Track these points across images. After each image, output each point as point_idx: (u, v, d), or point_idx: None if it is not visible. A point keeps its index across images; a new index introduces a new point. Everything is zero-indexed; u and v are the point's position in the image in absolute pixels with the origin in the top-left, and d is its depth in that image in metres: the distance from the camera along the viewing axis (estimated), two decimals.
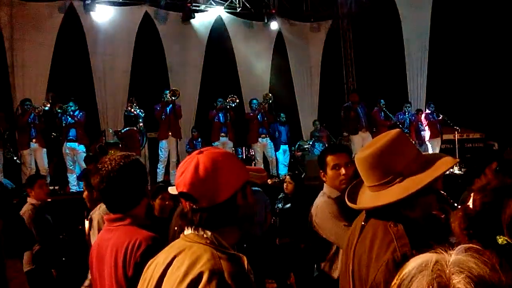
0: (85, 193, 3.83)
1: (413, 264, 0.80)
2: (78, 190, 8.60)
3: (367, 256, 1.62)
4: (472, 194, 3.24)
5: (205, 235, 1.33)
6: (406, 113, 10.52)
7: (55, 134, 9.13)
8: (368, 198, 1.68)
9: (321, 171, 2.90)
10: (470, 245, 0.82)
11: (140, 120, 9.59)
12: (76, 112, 8.87)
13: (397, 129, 1.74)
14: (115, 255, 1.85)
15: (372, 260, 1.58)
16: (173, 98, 9.14)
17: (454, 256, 0.77)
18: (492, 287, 0.74)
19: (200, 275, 1.22)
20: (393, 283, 0.81)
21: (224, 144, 9.54)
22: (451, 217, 2.60)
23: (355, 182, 1.84)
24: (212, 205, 1.32)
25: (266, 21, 12.92)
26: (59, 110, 8.76)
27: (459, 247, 0.80)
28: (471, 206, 3.09)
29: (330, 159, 2.84)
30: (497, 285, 0.74)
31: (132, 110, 9.53)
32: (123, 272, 1.81)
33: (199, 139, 10.35)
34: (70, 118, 8.77)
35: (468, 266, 0.75)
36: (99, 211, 3.37)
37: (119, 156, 1.99)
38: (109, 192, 1.96)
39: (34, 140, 8.58)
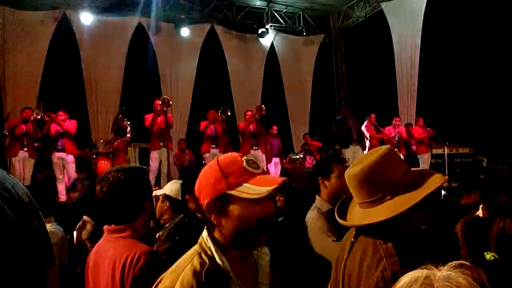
0: None
1: (404, 279, 0.82)
2: (66, 200, 8.53)
3: (357, 274, 1.61)
4: (481, 206, 3.31)
5: (203, 236, 1.39)
6: (396, 127, 10.58)
7: (39, 144, 9.04)
8: (358, 215, 1.67)
9: (320, 178, 2.85)
10: (462, 261, 0.83)
11: (129, 130, 9.57)
12: (66, 121, 8.80)
13: (387, 146, 1.73)
14: (113, 267, 1.84)
15: (362, 278, 1.57)
16: (165, 107, 9.09)
17: (444, 272, 0.79)
18: None
19: (166, 273, 1.35)
20: None
21: (215, 156, 9.49)
22: (459, 228, 2.65)
23: (345, 197, 1.84)
24: (202, 205, 1.37)
25: (259, 34, 13.02)
26: (47, 118, 8.70)
27: (450, 263, 0.82)
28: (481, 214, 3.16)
29: (337, 167, 2.80)
30: None
31: (124, 123, 9.51)
32: (120, 285, 1.80)
33: (186, 151, 10.32)
34: (60, 127, 8.70)
35: (457, 281, 0.77)
36: None
37: (124, 168, 2.00)
38: (106, 203, 1.95)
39: (25, 149, 8.50)
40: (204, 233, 1.38)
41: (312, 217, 2.86)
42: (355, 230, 1.73)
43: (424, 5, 11.03)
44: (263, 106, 10.20)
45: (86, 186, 8.25)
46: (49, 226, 3.38)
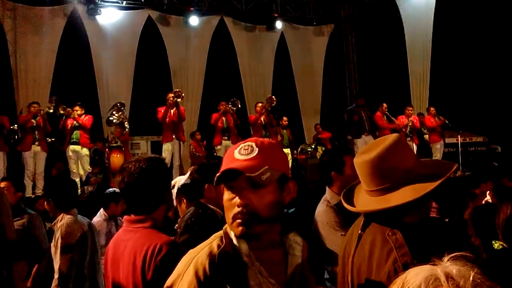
0: (45, 203, 3.45)
1: (417, 280, 0.79)
2: (80, 193, 8.61)
3: (367, 267, 1.60)
4: (488, 192, 3.30)
5: None
6: (409, 116, 10.50)
7: (52, 140, 9.11)
8: (371, 201, 1.65)
9: (334, 172, 2.80)
10: (463, 253, 0.83)
11: (127, 125, 9.62)
12: (82, 116, 8.89)
13: (396, 134, 1.75)
14: (134, 257, 1.85)
15: (373, 270, 1.57)
16: (177, 99, 9.13)
17: (454, 266, 0.79)
18: None
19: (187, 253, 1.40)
20: None
21: (227, 147, 9.50)
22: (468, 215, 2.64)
23: (349, 187, 1.82)
24: None
25: (269, 24, 12.96)
26: (62, 112, 8.76)
27: (451, 255, 0.82)
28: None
29: (348, 158, 2.76)
30: None
31: (117, 115, 9.54)
32: (141, 275, 1.81)
33: (201, 143, 10.33)
34: (75, 121, 8.78)
35: (477, 277, 0.77)
36: (62, 222, 3.28)
37: (144, 158, 2.00)
38: (128, 193, 1.96)
39: (37, 143, 8.59)
40: None
41: (321, 210, 2.83)
42: (362, 221, 1.72)
43: None
44: (273, 97, 10.19)
45: (99, 179, 8.33)
46: (67, 219, 3.36)
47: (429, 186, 1.53)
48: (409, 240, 1.53)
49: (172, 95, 9.14)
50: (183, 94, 9.39)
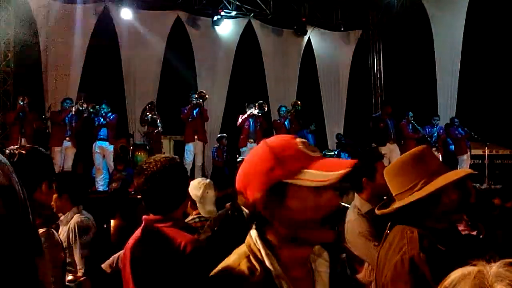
0: (55, 196, 3.26)
1: (455, 274, 0.83)
2: (104, 189, 8.72)
3: (383, 261, 1.78)
4: None
5: (252, 236, 1.17)
6: (435, 126, 10.34)
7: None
8: (394, 204, 1.85)
9: (365, 179, 2.74)
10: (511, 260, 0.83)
11: (159, 124, 9.69)
12: (109, 114, 9.01)
13: (424, 145, 1.93)
14: None
15: (386, 263, 1.74)
16: (201, 100, 9.19)
17: (495, 268, 0.80)
18: None
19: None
20: None
21: None
22: None
23: (386, 200, 1.98)
24: (249, 203, 1.15)
25: (296, 29, 12.94)
26: (91, 110, 8.90)
27: (500, 261, 0.82)
28: None
29: (379, 165, 2.71)
30: None
31: (150, 114, 9.67)
32: None
33: (225, 148, 10.34)
34: (102, 119, 8.91)
35: (509, 276, 0.78)
36: (75, 219, 3.31)
37: (163, 158, 2.00)
38: (152, 193, 1.96)
39: (68, 138, 8.72)
40: (253, 233, 1.16)
41: (352, 219, 2.75)
42: (389, 223, 1.89)
43: (468, 1, 10.72)
44: (298, 102, 10.18)
45: (123, 176, 8.42)
46: (77, 217, 3.37)
47: (436, 185, 1.69)
48: (428, 242, 1.67)
49: (196, 95, 9.22)
50: (207, 96, 9.46)
